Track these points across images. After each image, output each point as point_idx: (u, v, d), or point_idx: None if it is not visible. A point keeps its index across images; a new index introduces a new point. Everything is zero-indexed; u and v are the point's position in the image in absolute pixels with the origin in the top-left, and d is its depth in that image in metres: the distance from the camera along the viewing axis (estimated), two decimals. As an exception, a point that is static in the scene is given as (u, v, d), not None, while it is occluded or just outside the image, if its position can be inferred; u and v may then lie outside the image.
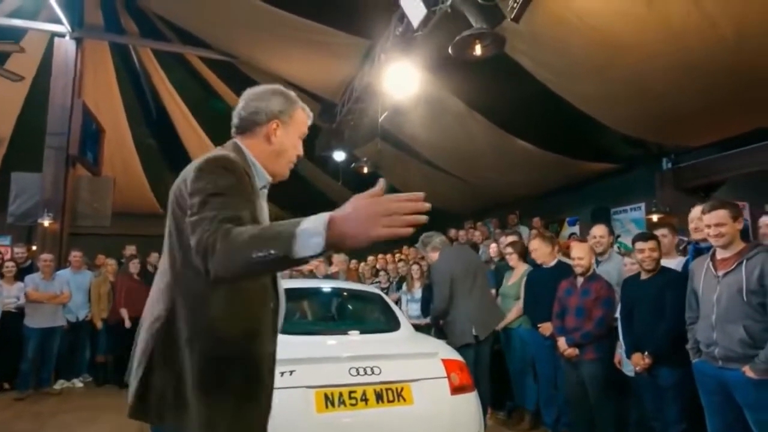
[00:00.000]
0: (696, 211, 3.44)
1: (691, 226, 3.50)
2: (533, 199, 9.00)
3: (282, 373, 2.66)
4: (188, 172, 1.47)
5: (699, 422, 3.06)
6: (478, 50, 3.94)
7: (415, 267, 7.05)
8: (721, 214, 2.87)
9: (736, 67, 4.48)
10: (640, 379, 3.42)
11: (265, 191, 1.69)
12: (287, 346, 3.01)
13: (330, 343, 3.24)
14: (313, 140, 9.48)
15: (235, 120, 1.65)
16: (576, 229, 8.17)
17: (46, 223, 7.48)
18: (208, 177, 1.37)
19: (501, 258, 5.48)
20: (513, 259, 4.86)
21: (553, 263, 4.49)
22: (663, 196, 6.61)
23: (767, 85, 4.59)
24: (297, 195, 12.01)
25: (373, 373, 2.81)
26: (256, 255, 1.11)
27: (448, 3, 4.23)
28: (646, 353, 3.29)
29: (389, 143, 8.42)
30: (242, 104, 1.64)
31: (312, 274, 7.39)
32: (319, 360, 2.81)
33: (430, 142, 7.80)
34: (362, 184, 10.34)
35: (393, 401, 2.77)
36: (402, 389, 2.82)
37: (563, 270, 4.36)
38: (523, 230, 8.15)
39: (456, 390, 2.94)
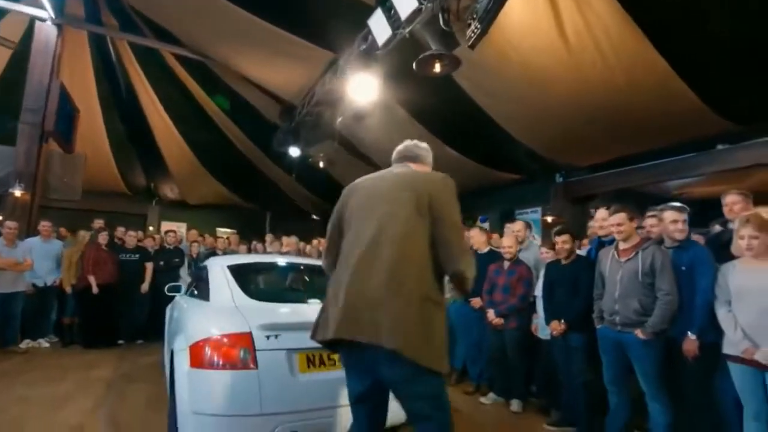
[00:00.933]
0: (600, 213, 3.68)
1: (596, 224, 3.72)
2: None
3: (268, 337, 2.46)
4: (436, 182, 1.89)
5: (597, 376, 3.31)
6: (437, 68, 3.90)
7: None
8: (622, 216, 3.11)
9: (615, 109, 4.83)
10: (554, 341, 3.58)
11: None
12: (270, 313, 2.84)
13: (307, 310, 3.03)
14: (270, 137, 9.04)
15: (410, 153, 2.12)
16: (486, 225, 8.45)
17: (18, 193, 6.65)
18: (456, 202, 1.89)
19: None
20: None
21: (486, 250, 4.60)
22: (555, 203, 7.06)
23: (632, 125, 5.00)
24: (252, 183, 11.49)
25: (349, 336, 2.68)
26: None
27: (408, 29, 4.19)
28: (563, 321, 3.46)
29: (339, 143, 8.21)
30: (416, 146, 2.15)
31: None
32: (301, 326, 2.60)
33: (375, 145, 7.69)
34: (312, 179, 10.18)
35: (365, 361, 2.65)
36: (373, 350, 2.72)
37: (492, 255, 4.52)
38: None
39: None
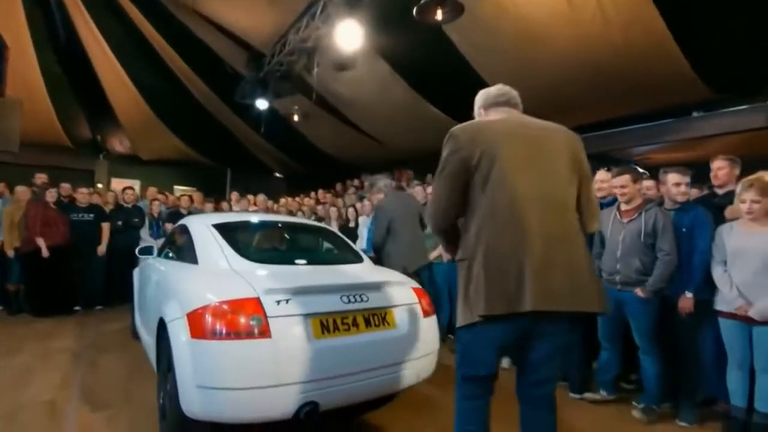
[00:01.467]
0: (600, 174, 3.67)
1: (595, 185, 3.71)
2: (426, 159, 9.03)
3: (278, 302, 2.24)
4: (576, 138, 1.80)
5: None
6: (439, 15, 3.62)
7: (333, 209, 6.74)
8: (626, 178, 3.11)
9: (605, 69, 4.77)
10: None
11: None
12: (275, 276, 2.60)
13: (311, 272, 2.83)
14: (234, 87, 8.32)
15: (516, 100, 1.94)
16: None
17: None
18: None
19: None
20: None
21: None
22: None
23: (618, 87, 4.99)
24: (212, 138, 10.66)
25: (362, 300, 2.50)
26: None
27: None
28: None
29: (308, 97, 7.71)
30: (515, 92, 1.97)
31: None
32: (311, 289, 2.41)
33: (352, 100, 7.29)
34: (279, 134, 9.52)
35: (379, 325, 2.50)
36: (386, 314, 2.57)
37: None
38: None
39: (426, 314, 2.78)
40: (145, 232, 6.26)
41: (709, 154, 5.43)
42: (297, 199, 8.17)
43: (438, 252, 4.64)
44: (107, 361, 3.77)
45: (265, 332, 2.14)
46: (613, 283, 3.13)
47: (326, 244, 3.48)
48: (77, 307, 5.62)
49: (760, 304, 2.62)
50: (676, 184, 3.09)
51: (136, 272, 4.50)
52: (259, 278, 2.42)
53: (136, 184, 9.90)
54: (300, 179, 12.60)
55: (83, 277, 5.70)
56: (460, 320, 1.66)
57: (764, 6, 3.66)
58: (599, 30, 4.16)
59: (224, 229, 3.05)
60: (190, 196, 7.04)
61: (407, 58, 5.76)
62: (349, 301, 2.45)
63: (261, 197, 7.48)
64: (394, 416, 2.87)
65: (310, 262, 2.92)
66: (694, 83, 4.56)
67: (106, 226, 5.86)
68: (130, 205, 6.31)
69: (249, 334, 2.12)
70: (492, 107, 1.92)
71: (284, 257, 3.20)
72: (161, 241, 6.26)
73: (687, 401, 3.02)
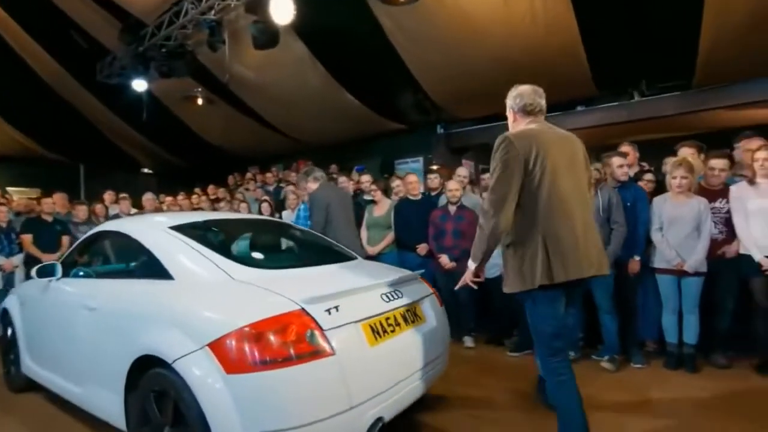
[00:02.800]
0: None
1: None
2: (327, 149, 8.73)
3: (329, 311, 1.87)
4: (582, 145, 2.22)
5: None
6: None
7: (243, 205, 6.03)
8: None
9: (520, 64, 5.22)
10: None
11: None
12: (301, 281, 2.16)
13: (335, 273, 2.41)
14: (93, 64, 6.68)
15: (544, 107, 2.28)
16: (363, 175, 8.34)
17: None
18: None
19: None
20: (378, 195, 4.64)
21: (420, 196, 4.52)
22: (437, 153, 7.43)
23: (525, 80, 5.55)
24: (60, 127, 8.36)
25: (399, 297, 2.26)
26: None
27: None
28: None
29: (201, 80, 6.68)
30: None
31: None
32: (356, 291, 2.06)
33: (259, 84, 6.51)
34: (157, 124, 7.85)
35: (414, 321, 2.29)
36: (416, 309, 2.37)
37: (427, 200, 4.52)
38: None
39: (441, 303, 2.67)
40: (-11, 248, 4.65)
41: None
42: (193, 197, 7.02)
43: (387, 242, 4.52)
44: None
45: (327, 349, 1.75)
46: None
47: (310, 243, 3.04)
48: None
49: (692, 260, 3.20)
50: (619, 166, 3.55)
51: (13, 302, 3.29)
52: (284, 286, 1.97)
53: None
54: (173, 175, 10.89)
55: None
56: (513, 288, 2.07)
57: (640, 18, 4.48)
58: (527, 29, 4.51)
59: (189, 232, 2.42)
60: (53, 200, 5.44)
61: (328, 40, 5.38)
62: (390, 300, 2.19)
63: (149, 195, 6.21)
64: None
65: (313, 263, 2.50)
66: (586, 81, 5.32)
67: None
68: (-38, 215, 4.60)
69: (311, 355, 1.71)
70: (527, 116, 2.23)
71: (282, 259, 2.71)
72: (16, 258, 4.78)
73: (635, 347, 3.53)
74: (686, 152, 3.65)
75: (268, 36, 4.74)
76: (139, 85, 6.40)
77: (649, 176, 3.81)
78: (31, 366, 2.99)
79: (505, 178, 1.99)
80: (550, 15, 4.31)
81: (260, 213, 5.61)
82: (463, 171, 4.58)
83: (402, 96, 6.33)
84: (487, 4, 4.33)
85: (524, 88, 2.27)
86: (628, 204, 3.47)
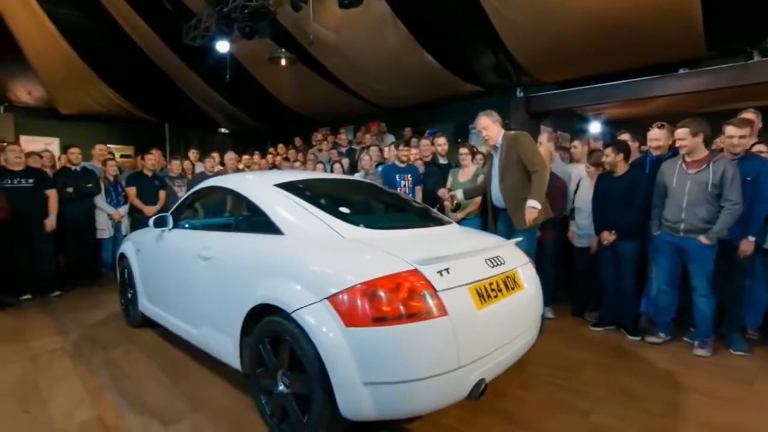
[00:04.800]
0: (654, 132, 3.64)
1: (651, 144, 3.69)
2: (399, 111, 8.60)
3: (441, 273, 1.87)
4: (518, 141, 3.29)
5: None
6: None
7: (319, 165, 6.13)
8: (685, 131, 3.12)
9: (616, 23, 4.74)
10: (602, 250, 3.64)
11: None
12: (411, 242, 2.18)
13: (441, 236, 2.43)
14: (176, 25, 6.91)
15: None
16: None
17: None
18: None
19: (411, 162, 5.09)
20: (467, 159, 4.51)
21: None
22: (515, 118, 7.07)
23: (622, 41, 5.03)
24: (149, 87, 8.89)
25: (501, 263, 2.23)
26: None
27: None
28: (613, 231, 3.50)
29: (280, 42, 6.73)
30: None
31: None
32: (464, 255, 2.05)
33: (335, 46, 6.46)
34: (238, 86, 8.10)
35: (514, 288, 2.25)
36: (515, 276, 2.32)
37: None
38: (389, 138, 7.78)
39: (536, 271, 2.61)
40: (101, 200, 5.13)
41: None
42: (268, 156, 7.29)
43: (472, 207, 4.43)
44: (126, 358, 3.03)
45: (441, 309, 1.77)
46: (675, 231, 3.21)
47: (406, 205, 3.06)
48: (26, 296, 4.51)
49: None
50: (729, 137, 3.18)
51: (129, 248, 3.65)
52: (395, 246, 2.00)
53: (54, 143, 8.13)
54: (247, 135, 11.34)
55: (30, 259, 4.54)
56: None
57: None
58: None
59: (295, 190, 2.50)
60: (152, 156, 5.85)
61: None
62: (494, 265, 2.17)
63: (231, 155, 6.50)
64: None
65: (415, 225, 2.51)
66: (697, 39, 4.73)
67: (53, 194, 4.66)
68: (79, 168, 5.08)
69: (427, 314, 1.74)
70: None
71: (385, 220, 2.75)
72: (122, 209, 5.26)
73: (736, 332, 3.27)
74: None
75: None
76: (223, 46, 6.59)
77: (761, 147, 3.36)
78: (148, 306, 3.34)
79: None
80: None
81: (332, 172, 5.71)
82: (544, 137, 4.30)
83: (483, 57, 6.01)
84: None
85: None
86: (748, 179, 3.11)
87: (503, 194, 3.40)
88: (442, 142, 4.98)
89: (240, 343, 2.27)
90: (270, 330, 2.06)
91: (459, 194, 3.68)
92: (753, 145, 3.41)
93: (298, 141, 8.80)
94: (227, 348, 2.39)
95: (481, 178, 3.92)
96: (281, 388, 2.05)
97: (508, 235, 3.40)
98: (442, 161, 4.89)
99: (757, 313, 3.40)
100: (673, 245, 3.25)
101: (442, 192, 3.72)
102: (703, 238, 3.08)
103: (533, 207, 3.13)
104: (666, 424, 2.25)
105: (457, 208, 3.78)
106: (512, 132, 3.49)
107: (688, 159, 3.19)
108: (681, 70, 5.44)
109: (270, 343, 2.08)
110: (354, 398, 1.73)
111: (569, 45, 5.05)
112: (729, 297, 3.32)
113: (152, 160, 5.43)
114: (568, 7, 4.54)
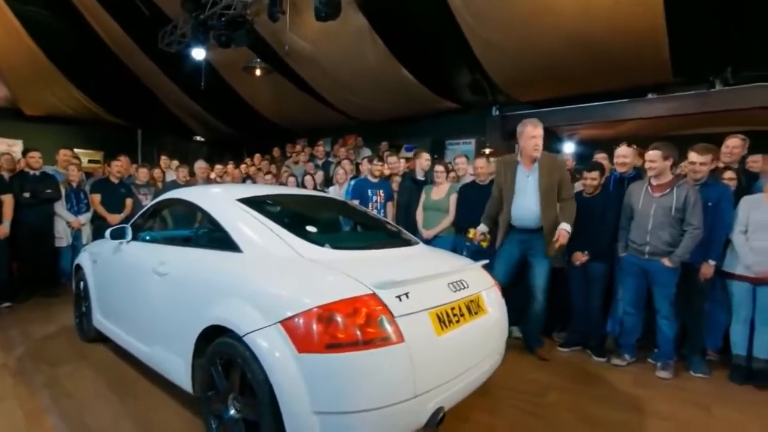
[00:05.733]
0: (622, 150, 3.71)
1: (618, 160, 3.76)
2: (376, 125, 8.61)
3: (399, 297, 1.83)
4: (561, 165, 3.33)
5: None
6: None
7: (291, 179, 6.05)
8: (656, 154, 3.18)
9: (592, 46, 4.87)
10: (573, 271, 3.66)
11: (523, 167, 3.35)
12: (371, 264, 2.13)
13: (404, 258, 2.38)
14: (152, 30, 6.79)
15: None
16: (411, 154, 8.17)
17: None
18: None
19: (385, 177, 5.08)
20: (442, 177, 4.49)
21: (488, 181, 4.35)
22: (491, 136, 7.16)
23: (595, 64, 5.18)
24: (121, 91, 8.64)
25: (465, 287, 2.19)
26: None
27: None
28: (586, 252, 3.53)
29: (258, 51, 6.67)
30: None
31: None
32: (425, 279, 2.01)
33: (313, 57, 6.43)
34: (212, 93, 7.96)
35: (477, 312, 2.21)
36: (478, 300, 2.29)
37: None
38: (365, 152, 7.77)
39: (501, 294, 2.59)
40: (61, 207, 4.91)
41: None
42: (242, 166, 7.16)
43: (444, 226, 4.41)
44: (72, 376, 2.86)
45: (398, 336, 1.72)
46: (641, 253, 3.26)
47: (373, 223, 3.01)
48: (-28, 306, 4.26)
49: (776, 269, 2.93)
50: (691, 162, 3.25)
51: (86, 259, 3.49)
52: (354, 268, 1.94)
53: (18, 145, 7.81)
54: (222, 144, 11.15)
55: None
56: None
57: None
58: (606, 7, 4.16)
59: (257, 206, 2.43)
60: (120, 162, 5.67)
61: (390, 14, 5.20)
62: (456, 289, 2.13)
63: (201, 164, 6.36)
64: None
65: (379, 246, 2.46)
66: (663, 66, 4.90)
67: (7, 200, 4.44)
68: (38, 173, 4.86)
69: (382, 340, 1.69)
70: None
71: (348, 240, 2.69)
72: (84, 217, 5.04)
73: (696, 354, 3.33)
74: None
75: (331, 7, 4.63)
76: (198, 53, 6.48)
77: (729, 174, 3.48)
78: (101, 321, 3.18)
79: None
80: (634, -7, 3.96)
81: (303, 186, 5.64)
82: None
83: (459, 74, 6.09)
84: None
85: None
86: (710, 204, 3.20)
87: (543, 217, 3.27)
88: (426, 157, 4.96)
89: (192, 364, 2.17)
90: (222, 352, 1.96)
91: (482, 227, 3.50)
92: (724, 169, 3.52)
93: (276, 152, 8.71)
94: (179, 369, 2.27)
95: (495, 192, 3.57)
96: (232, 412, 1.95)
97: (519, 259, 3.42)
98: (420, 177, 4.88)
99: (717, 335, 3.47)
100: (639, 267, 3.29)
101: (474, 235, 3.46)
102: (666, 261, 3.13)
103: (568, 231, 3.18)
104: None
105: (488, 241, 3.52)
106: (550, 154, 3.44)
107: (653, 182, 3.26)
108: (650, 95, 5.62)
109: (222, 365, 1.99)
110: (304, 428, 1.65)
111: (544, 66, 5.16)
112: (690, 319, 3.38)
113: (118, 166, 5.25)
114: (543, 29, 4.65)
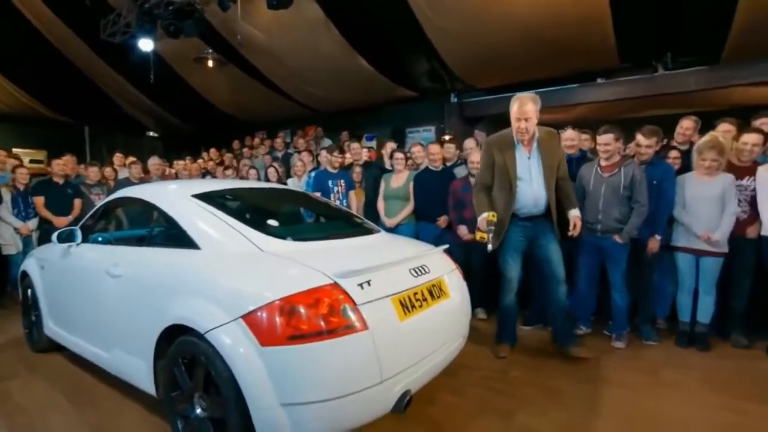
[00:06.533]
0: (568, 133, 3.88)
1: (565, 143, 3.89)
2: (336, 116, 8.53)
3: (361, 285, 1.85)
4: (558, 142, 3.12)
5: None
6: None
7: (252, 171, 5.93)
8: (610, 137, 3.34)
9: (543, 34, 5.01)
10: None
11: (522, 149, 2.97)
12: (332, 254, 2.13)
13: (365, 247, 2.39)
14: (96, 20, 6.40)
15: None
16: (373, 143, 8.17)
17: None
18: None
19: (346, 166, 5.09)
20: (401, 164, 4.52)
21: (441, 167, 4.42)
22: (450, 123, 7.26)
23: (547, 51, 5.34)
24: (64, 86, 8.10)
25: (426, 272, 2.24)
26: None
27: None
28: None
29: (209, 41, 6.43)
30: None
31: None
32: (386, 266, 2.04)
33: (268, 48, 6.27)
34: (164, 87, 7.59)
35: (439, 297, 2.27)
36: (440, 284, 2.35)
37: (448, 171, 4.42)
38: (326, 142, 7.71)
39: (464, 278, 2.66)
40: (6, 212, 4.60)
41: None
42: (200, 161, 6.93)
43: (405, 214, 4.46)
44: (24, 390, 2.72)
45: (361, 323, 1.75)
46: (593, 231, 3.41)
47: (333, 214, 3.00)
48: None
49: (717, 233, 3.16)
50: (637, 145, 3.46)
51: (32, 265, 3.30)
52: (315, 259, 1.94)
53: (-53, 147, 7.17)
54: (179, 139, 10.72)
55: None
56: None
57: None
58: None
59: (214, 201, 2.38)
60: (63, 162, 5.35)
61: (345, 3, 5.14)
62: (418, 275, 2.17)
63: (155, 160, 6.10)
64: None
65: (339, 235, 2.47)
66: (610, 52, 5.12)
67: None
68: (-26, 176, 4.54)
69: (345, 329, 1.71)
70: None
71: (308, 231, 2.66)
72: (33, 222, 4.75)
73: (646, 324, 3.56)
74: (724, 128, 3.52)
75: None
76: (146, 44, 6.17)
77: (674, 153, 3.70)
78: (54, 329, 3.03)
79: None
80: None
81: (267, 179, 5.54)
82: (472, 143, 4.43)
83: (417, 63, 6.12)
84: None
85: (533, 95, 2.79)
86: (654, 182, 3.40)
87: (550, 200, 2.98)
88: (392, 146, 4.93)
89: (154, 366, 2.12)
90: (184, 351, 1.92)
91: (484, 217, 2.95)
92: (670, 149, 3.72)
93: (236, 144, 8.48)
94: (140, 372, 2.21)
95: (485, 178, 3.09)
96: (198, 411, 1.93)
97: (528, 248, 3.08)
98: (388, 166, 4.88)
99: (665, 305, 3.72)
100: (593, 245, 3.45)
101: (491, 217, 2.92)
102: (617, 238, 3.31)
103: (579, 216, 3.01)
104: (584, 418, 2.37)
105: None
106: (547, 128, 3.04)
107: (603, 163, 3.42)
108: (599, 80, 5.87)
109: (185, 364, 1.95)
110: (271, 421, 1.66)
111: (497, 54, 5.29)
112: (640, 291, 3.60)
113: (60, 165, 4.94)
114: (495, 17, 4.75)
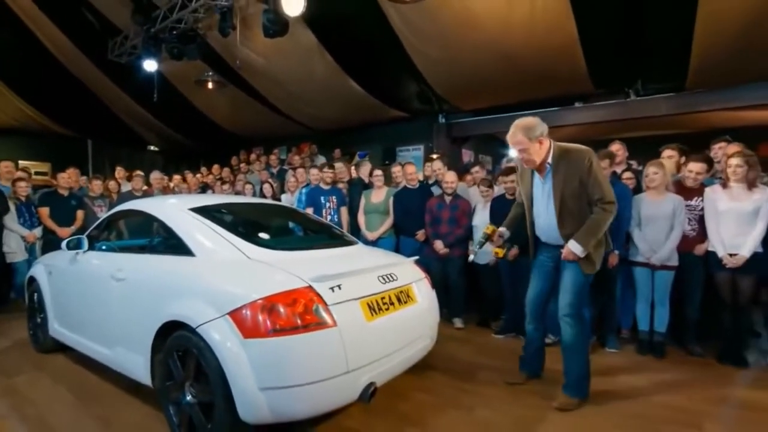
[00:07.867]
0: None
1: None
2: (330, 134, 8.93)
3: (332, 289, 2.16)
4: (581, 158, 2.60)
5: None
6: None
7: (248, 186, 6.26)
8: None
9: (520, 60, 5.43)
10: (503, 265, 4.10)
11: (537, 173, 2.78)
12: (309, 262, 2.45)
13: (340, 256, 2.71)
14: (104, 40, 6.82)
15: None
16: (366, 161, 8.53)
17: None
18: None
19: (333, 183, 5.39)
20: (380, 181, 4.87)
21: (417, 185, 4.76)
22: (438, 142, 7.66)
23: (525, 76, 5.74)
24: (69, 101, 8.48)
25: (393, 279, 2.55)
26: None
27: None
28: (515, 246, 3.97)
29: (211, 63, 6.84)
30: None
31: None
32: (356, 273, 2.35)
33: (265, 70, 6.69)
34: (167, 103, 8.00)
35: (407, 302, 2.58)
36: (408, 291, 2.66)
37: (425, 189, 4.76)
38: (320, 159, 8.08)
39: (432, 287, 2.96)
40: (12, 221, 4.91)
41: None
42: (198, 175, 7.27)
43: (386, 227, 4.77)
44: (31, 385, 2.99)
45: (331, 321, 2.05)
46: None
47: (316, 227, 3.33)
48: None
49: (660, 253, 3.50)
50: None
51: (40, 271, 3.59)
52: (294, 266, 2.25)
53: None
54: (179, 153, 11.11)
55: None
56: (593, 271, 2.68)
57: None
58: (527, 29, 4.70)
59: (208, 214, 2.70)
60: (69, 175, 5.68)
61: (336, 31, 5.56)
62: (385, 281, 2.48)
63: (156, 174, 6.45)
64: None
65: (319, 246, 2.79)
66: (584, 79, 5.52)
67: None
68: (-17, 188, 4.85)
69: (317, 325, 2.01)
70: (546, 138, 2.64)
71: (292, 242, 2.98)
72: (37, 230, 5.05)
73: (611, 334, 3.85)
74: (668, 154, 3.89)
75: (278, 25, 4.92)
76: (150, 65, 6.58)
77: (627, 174, 4.03)
78: (58, 329, 3.31)
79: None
80: (549, 15, 4.49)
81: (262, 194, 5.86)
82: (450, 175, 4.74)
83: (405, 86, 6.52)
84: (489, 4, 4.51)
85: (535, 119, 2.61)
86: (612, 201, 3.72)
87: (562, 232, 2.67)
88: (368, 166, 5.32)
89: (151, 359, 2.40)
90: (178, 344, 2.22)
91: (501, 229, 2.99)
92: (623, 171, 4.08)
93: (234, 161, 8.84)
94: (139, 365, 2.49)
95: (516, 203, 3.08)
96: (188, 398, 2.21)
97: (551, 272, 2.87)
98: (367, 182, 5.23)
99: (628, 316, 4.00)
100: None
101: (491, 232, 2.94)
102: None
103: (573, 251, 2.59)
104: (536, 414, 2.65)
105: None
106: (570, 146, 2.64)
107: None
108: (577, 104, 6.27)
109: (179, 356, 2.24)
110: (251, 403, 1.94)
111: (475, 78, 5.69)
112: (604, 303, 3.90)
113: (65, 178, 5.27)
114: (469, 43, 5.13)
